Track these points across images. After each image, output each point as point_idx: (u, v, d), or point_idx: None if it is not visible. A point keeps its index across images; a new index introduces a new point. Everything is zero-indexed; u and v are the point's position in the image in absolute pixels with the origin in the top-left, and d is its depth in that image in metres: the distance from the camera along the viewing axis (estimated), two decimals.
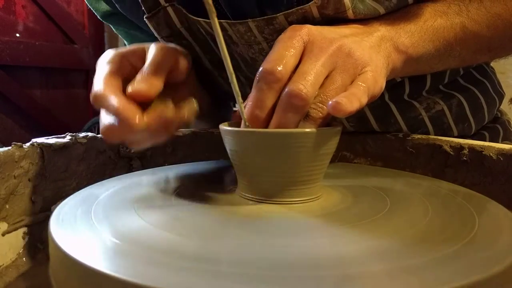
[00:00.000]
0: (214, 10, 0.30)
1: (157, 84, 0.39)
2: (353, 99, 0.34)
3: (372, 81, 0.38)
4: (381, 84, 0.39)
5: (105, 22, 0.64)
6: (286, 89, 0.35)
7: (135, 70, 0.41)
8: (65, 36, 4.06)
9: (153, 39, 0.53)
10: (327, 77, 0.37)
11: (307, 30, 0.39)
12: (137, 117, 0.36)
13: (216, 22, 0.31)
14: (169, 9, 0.49)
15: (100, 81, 0.39)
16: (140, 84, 0.38)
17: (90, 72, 4.33)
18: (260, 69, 0.37)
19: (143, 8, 0.50)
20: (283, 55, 0.37)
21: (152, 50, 0.42)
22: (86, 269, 0.25)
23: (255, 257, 0.26)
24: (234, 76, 0.34)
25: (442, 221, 0.32)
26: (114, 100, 0.37)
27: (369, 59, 0.39)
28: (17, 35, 3.67)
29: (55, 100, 4.02)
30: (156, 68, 0.40)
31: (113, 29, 0.68)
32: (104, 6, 0.61)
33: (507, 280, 0.24)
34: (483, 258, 0.26)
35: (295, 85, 0.35)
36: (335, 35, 0.39)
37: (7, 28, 3.57)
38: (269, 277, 0.24)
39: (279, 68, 0.36)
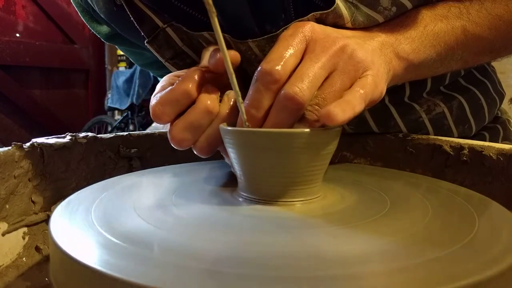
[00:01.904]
0: (214, 10, 0.30)
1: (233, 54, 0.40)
2: (346, 108, 0.33)
3: (372, 86, 0.37)
4: (382, 89, 0.39)
5: (109, 43, 0.65)
6: (282, 91, 0.35)
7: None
8: (65, 36, 4.07)
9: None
10: (327, 78, 0.37)
11: (310, 27, 0.38)
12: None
13: (216, 22, 0.31)
14: (169, 30, 0.49)
15: (157, 94, 0.41)
16: (219, 58, 0.40)
17: (90, 72, 4.34)
18: (259, 68, 0.36)
19: (142, 34, 0.50)
20: (283, 54, 0.36)
21: (206, 49, 0.45)
22: (86, 269, 0.25)
23: (256, 257, 0.26)
24: (234, 76, 0.34)
25: (442, 221, 0.32)
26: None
27: (371, 62, 0.38)
28: (17, 35, 3.68)
29: (55, 100, 4.03)
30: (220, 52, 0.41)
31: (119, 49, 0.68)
32: (106, 29, 0.61)
33: (507, 281, 0.24)
34: (483, 258, 0.26)
35: (291, 88, 0.34)
36: (339, 35, 0.39)
37: (7, 28, 3.58)
38: (269, 277, 0.24)
39: (277, 68, 0.35)
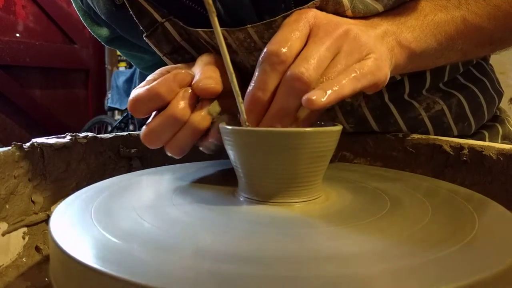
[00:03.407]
0: (214, 10, 0.30)
1: (220, 80, 0.40)
2: (329, 91, 0.33)
3: (373, 68, 0.37)
4: (385, 73, 0.39)
5: (109, 47, 0.65)
6: (288, 72, 0.35)
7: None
8: (65, 36, 4.07)
9: (158, 59, 0.53)
10: (331, 61, 0.37)
11: (313, 13, 0.39)
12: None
13: (216, 21, 0.31)
14: (167, 24, 0.49)
15: (138, 88, 0.41)
16: (207, 80, 0.39)
17: (90, 72, 4.34)
18: (265, 50, 0.36)
19: (141, 28, 0.50)
20: (288, 37, 0.36)
21: (199, 57, 0.44)
22: (86, 269, 0.25)
23: (255, 257, 0.26)
24: (234, 75, 0.34)
25: (442, 221, 0.32)
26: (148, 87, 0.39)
27: (374, 46, 0.38)
28: (17, 35, 3.68)
29: (55, 100, 4.03)
30: (214, 67, 0.41)
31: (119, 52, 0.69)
32: (106, 32, 0.61)
33: (507, 281, 0.24)
34: (483, 258, 0.26)
35: (297, 68, 0.35)
36: (341, 20, 0.39)
37: (7, 28, 3.58)
38: (268, 277, 0.24)
39: (283, 50, 0.35)
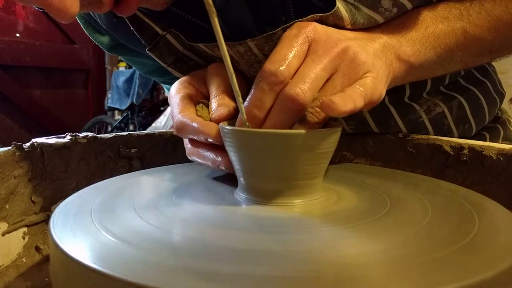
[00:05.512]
0: (214, 10, 0.30)
1: (232, 104, 0.42)
2: (347, 100, 0.34)
3: (371, 86, 0.37)
4: (381, 91, 0.39)
5: (111, 54, 0.65)
6: (284, 92, 0.35)
7: (199, 91, 0.46)
8: (65, 36, 4.07)
9: (160, 64, 0.53)
10: (328, 79, 0.37)
11: (313, 28, 0.39)
12: (216, 130, 0.39)
13: (216, 22, 0.31)
14: (169, 37, 0.49)
15: (176, 113, 0.43)
16: (220, 109, 0.41)
17: (90, 72, 4.34)
18: (263, 68, 0.36)
19: (143, 42, 0.50)
20: (286, 55, 0.37)
21: (210, 74, 0.45)
22: (86, 269, 0.25)
23: (255, 257, 0.26)
24: (234, 76, 0.34)
25: (442, 221, 0.32)
26: (194, 124, 0.41)
27: (372, 65, 0.38)
28: (17, 35, 3.68)
29: (55, 100, 4.03)
30: (223, 90, 0.43)
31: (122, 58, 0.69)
32: (108, 39, 0.61)
33: (507, 281, 0.24)
34: (483, 258, 0.26)
35: (292, 90, 0.35)
36: (341, 36, 0.39)
37: (7, 28, 3.58)
38: (267, 277, 0.24)
39: (281, 69, 0.36)
